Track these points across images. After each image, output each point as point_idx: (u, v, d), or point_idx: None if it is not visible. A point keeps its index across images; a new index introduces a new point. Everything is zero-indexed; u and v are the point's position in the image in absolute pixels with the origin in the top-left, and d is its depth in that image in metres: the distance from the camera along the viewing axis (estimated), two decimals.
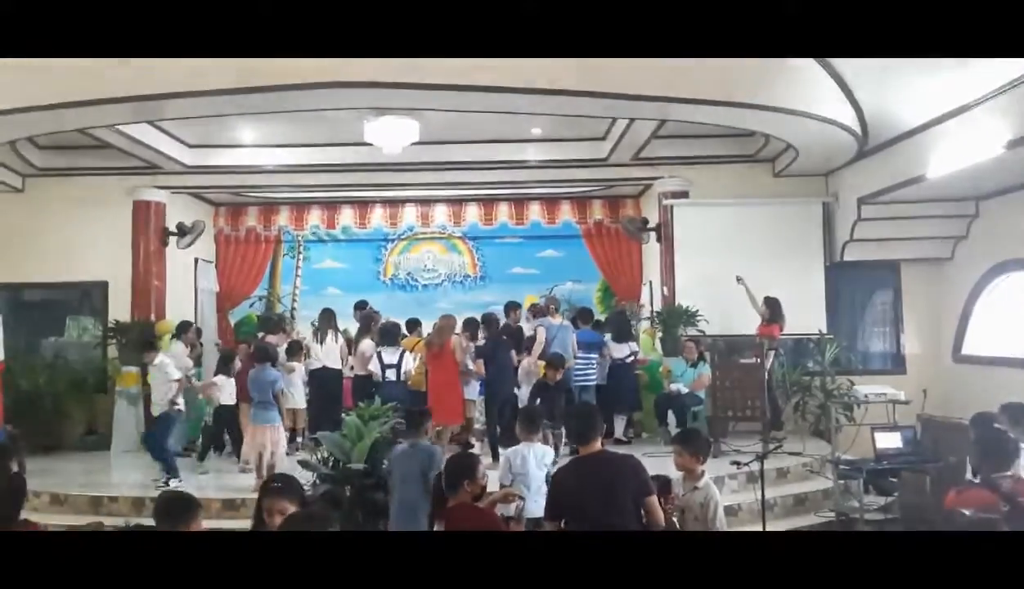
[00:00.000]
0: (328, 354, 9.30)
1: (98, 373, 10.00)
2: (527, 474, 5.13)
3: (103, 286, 10.52)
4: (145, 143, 9.38)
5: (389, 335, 8.57)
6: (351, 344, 9.46)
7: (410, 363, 8.45)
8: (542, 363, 8.67)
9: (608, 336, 9.72)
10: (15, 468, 4.38)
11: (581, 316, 9.78)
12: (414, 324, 9.77)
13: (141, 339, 9.03)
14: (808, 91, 7.71)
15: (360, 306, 10.22)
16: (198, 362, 9.71)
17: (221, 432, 8.94)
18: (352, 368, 9.10)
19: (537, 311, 10.11)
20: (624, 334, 9.74)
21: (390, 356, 8.34)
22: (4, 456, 4.41)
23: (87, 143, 9.44)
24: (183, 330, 9.43)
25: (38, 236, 10.34)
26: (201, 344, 10.13)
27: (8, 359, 8.65)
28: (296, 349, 9.07)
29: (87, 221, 10.45)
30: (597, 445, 4.02)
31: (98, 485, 7.91)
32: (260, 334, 9.76)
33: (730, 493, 7.30)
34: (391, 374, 8.27)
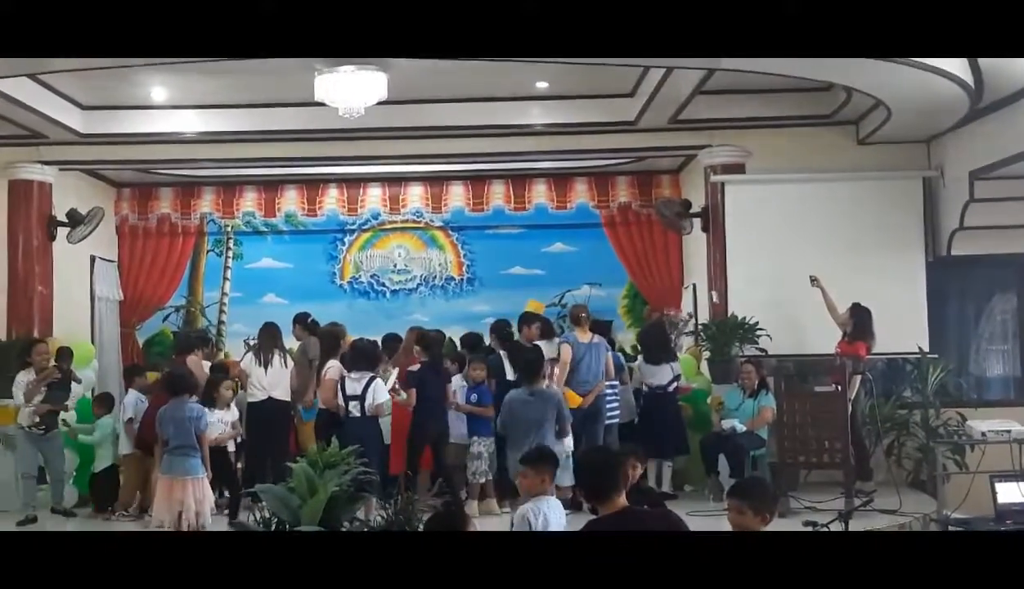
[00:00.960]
0: (275, 382, 9.31)
1: None
2: None
3: None
4: (25, 104, 9.38)
5: (366, 357, 8.58)
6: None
7: (380, 393, 8.43)
8: (567, 390, 8.76)
9: (640, 358, 9.72)
10: None
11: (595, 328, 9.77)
12: (393, 342, 9.76)
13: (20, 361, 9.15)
14: None
15: (301, 319, 10.31)
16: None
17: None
18: (312, 401, 9.21)
19: (545, 327, 10.07)
20: (663, 354, 9.73)
21: (354, 385, 8.35)
22: None
23: None
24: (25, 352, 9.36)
25: None
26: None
27: None
28: (222, 371, 9.19)
29: None
30: (621, 501, 4.00)
31: None
32: (174, 355, 9.79)
33: None
34: (354, 407, 8.28)
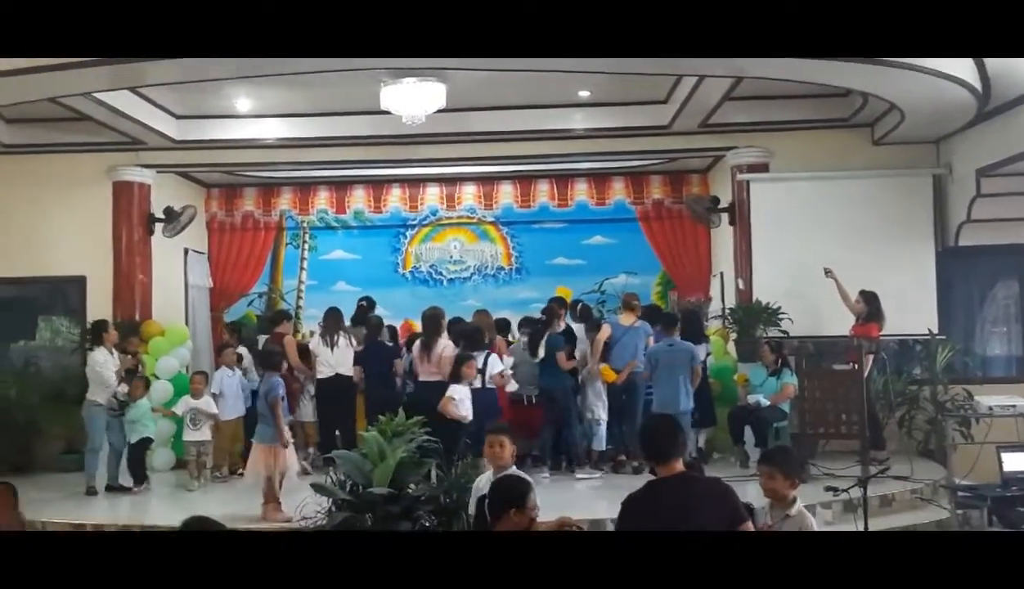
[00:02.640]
0: (340, 360, 9.38)
1: (76, 382, 10.13)
2: None
3: (80, 282, 10.71)
4: (126, 114, 9.50)
5: (478, 337, 8.87)
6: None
7: (496, 366, 8.78)
8: (604, 366, 8.98)
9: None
10: None
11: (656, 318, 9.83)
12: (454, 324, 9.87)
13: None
14: None
15: (369, 303, 10.51)
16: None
17: None
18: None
19: (583, 311, 10.05)
20: (696, 335, 9.68)
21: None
22: None
23: (60, 115, 9.58)
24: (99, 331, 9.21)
25: (4, 224, 10.55)
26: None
27: None
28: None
29: (61, 206, 10.63)
30: (678, 465, 3.93)
31: (80, 512, 8.02)
32: (270, 334, 10.09)
33: (823, 525, 7.17)
34: (476, 380, 8.51)
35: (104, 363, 8.80)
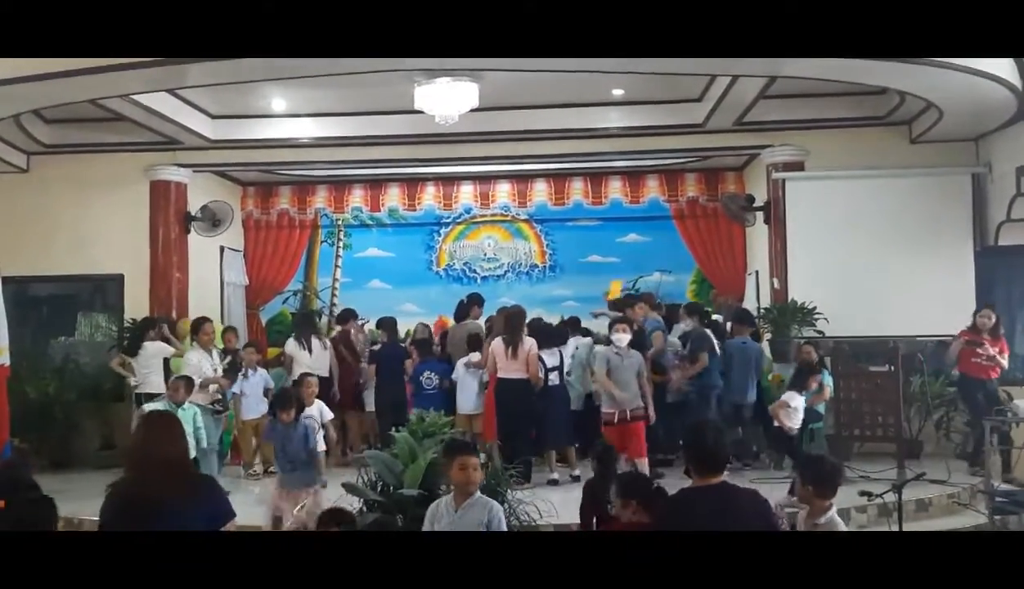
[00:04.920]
0: (317, 362, 9.61)
1: (114, 378, 10.30)
2: None
3: (118, 279, 10.89)
4: (163, 114, 9.64)
5: (555, 336, 9.03)
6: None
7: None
8: None
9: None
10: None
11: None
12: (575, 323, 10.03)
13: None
14: None
15: (477, 300, 10.34)
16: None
17: None
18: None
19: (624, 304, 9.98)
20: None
21: (551, 359, 8.73)
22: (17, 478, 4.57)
23: (99, 115, 9.73)
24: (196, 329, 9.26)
25: (44, 223, 10.74)
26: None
27: (13, 363, 8.96)
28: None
29: (99, 205, 10.82)
30: (721, 476, 3.89)
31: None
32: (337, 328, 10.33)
33: (857, 528, 7.11)
34: (554, 377, 8.69)
35: (199, 363, 8.62)
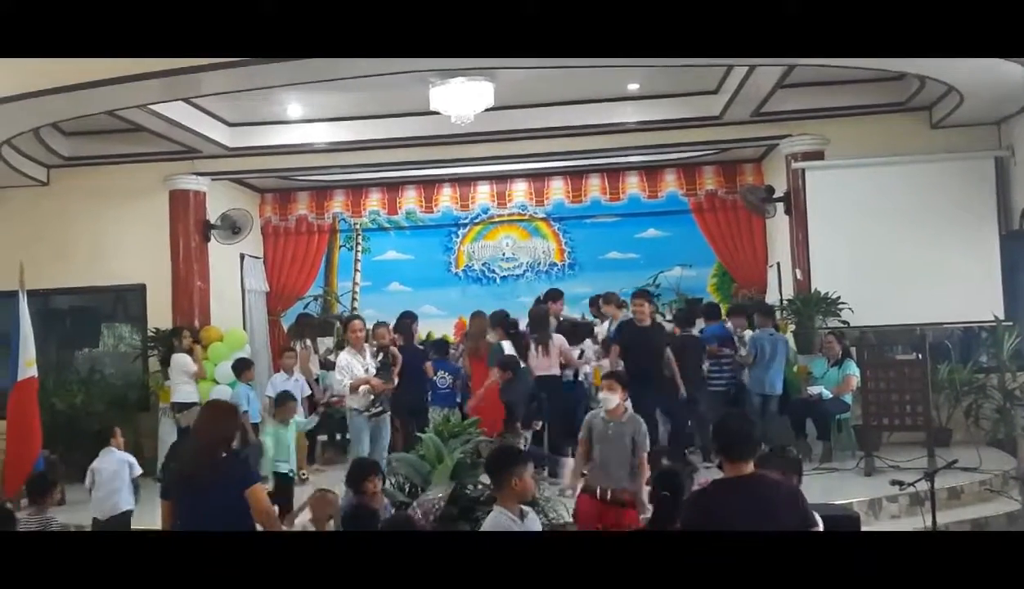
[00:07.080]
0: None
1: (139, 388, 10.36)
2: None
3: (140, 289, 10.97)
4: (181, 124, 9.69)
5: (582, 333, 9.32)
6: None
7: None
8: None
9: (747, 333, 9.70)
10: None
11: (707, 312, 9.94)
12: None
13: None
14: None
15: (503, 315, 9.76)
16: None
17: None
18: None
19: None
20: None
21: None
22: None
23: (117, 127, 9.82)
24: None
25: (65, 235, 10.82)
26: None
27: (40, 376, 9.03)
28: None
29: (120, 216, 10.90)
30: (750, 466, 3.86)
31: (147, 518, 8.14)
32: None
33: (889, 519, 7.08)
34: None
35: (348, 364, 8.07)
